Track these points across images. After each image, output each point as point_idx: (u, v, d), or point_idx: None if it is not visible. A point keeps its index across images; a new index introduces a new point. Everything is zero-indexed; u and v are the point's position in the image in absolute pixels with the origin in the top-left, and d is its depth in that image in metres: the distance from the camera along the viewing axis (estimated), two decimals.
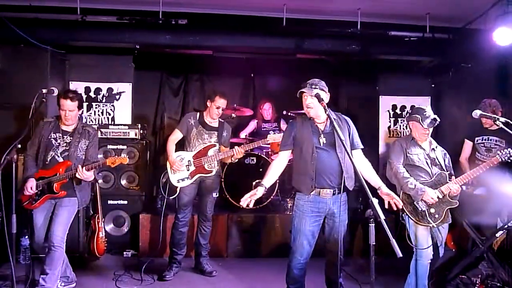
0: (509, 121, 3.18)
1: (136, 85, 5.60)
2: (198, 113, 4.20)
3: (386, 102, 5.98)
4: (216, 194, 4.24)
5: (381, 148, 5.93)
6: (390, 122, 5.99)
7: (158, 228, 4.31)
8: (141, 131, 5.06)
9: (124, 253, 4.74)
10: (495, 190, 3.55)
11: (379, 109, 5.97)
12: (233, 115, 5.24)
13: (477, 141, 4.26)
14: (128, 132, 4.98)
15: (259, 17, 4.87)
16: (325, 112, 2.98)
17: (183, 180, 4.03)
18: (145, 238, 4.68)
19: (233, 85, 6.56)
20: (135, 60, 5.50)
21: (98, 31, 4.79)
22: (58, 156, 3.45)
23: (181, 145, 4.18)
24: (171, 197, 4.04)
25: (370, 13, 4.68)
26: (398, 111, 5.95)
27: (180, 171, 4.02)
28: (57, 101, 3.44)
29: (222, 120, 4.25)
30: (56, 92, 3.37)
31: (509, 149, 3.36)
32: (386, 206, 2.50)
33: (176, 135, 4.12)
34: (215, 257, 4.60)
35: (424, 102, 5.62)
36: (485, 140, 4.21)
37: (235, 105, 5.47)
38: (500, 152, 3.38)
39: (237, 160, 4.19)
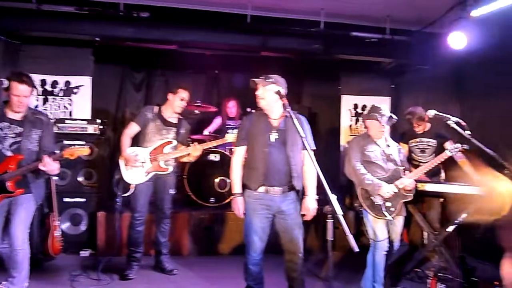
0: (459, 120, 3.34)
1: (96, 79, 5.40)
2: (157, 107, 4.05)
3: (348, 101, 6.11)
4: (174, 191, 4.10)
5: (343, 146, 6.05)
6: (351, 120, 6.12)
7: (116, 226, 4.19)
8: (101, 127, 4.89)
9: (81, 252, 4.58)
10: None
11: (341, 108, 6.09)
12: (196, 111, 5.18)
13: (411, 144, 4.53)
14: (87, 128, 4.81)
15: (224, 13, 4.83)
16: (285, 109, 2.95)
17: (138, 177, 3.88)
18: (103, 237, 4.54)
19: (198, 81, 6.49)
20: (95, 53, 5.30)
21: (55, 21, 4.59)
22: (7, 150, 3.10)
23: (136, 140, 3.99)
24: (124, 195, 3.89)
25: (333, 14, 4.76)
26: (359, 110, 6.10)
27: (135, 167, 3.87)
28: (8, 85, 3.06)
29: (182, 117, 4.12)
30: (6, 83, 3.07)
31: (458, 144, 3.56)
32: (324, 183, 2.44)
33: (132, 129, 3.94)
34: (177, 255, 4.54)
35: (384, 102, 5.78)
36: (418, 142, 4.49)
37: (198, 101, 5.42)
38: (450, 147, 3.57)
39: (192, 159, 4.04)
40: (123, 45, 5.25)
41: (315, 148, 3.12)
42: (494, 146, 3.41)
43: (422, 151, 4.44)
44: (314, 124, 6.40)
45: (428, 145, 4.41)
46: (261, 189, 3.04)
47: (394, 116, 3.63)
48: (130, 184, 3.87)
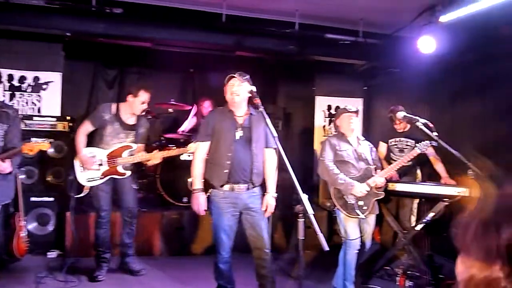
0: (427, 122, 3.44)
1: (66, 75, 5.26)
2: (114, 106, 3.80)
3: (321, 102, 6.18)
4: (136, 186, 3.94)
5: (316, 146, 6.12)
6: (325, 121, 6.20)
7: (86, 226, 4.09)
8: (71, 124, 4.76)
9: (48, 253, 4.44)
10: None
11: (315, 109, 6.15)
12: (170, 110, 5.12)
13: (390, 143, 4.61)
14: (56, 125, 4.67)
15: (199, 12, 4.79)
16: (258, 109, 2.94)
17: (93, 180, 3.71)
18: (71, 237, 4.41)
19: (173, 79, 6.46)
20: (65, 49, 5.16)
21: (24, 15, 4.41)
22: None
23: (92, 138, 3.83)
24: (78, 196, 3.73)
25: (307, 15, 4.79)
26: (332, 111, 6.18)
27: (90, 169, 3.71)
28: None
29: (141, 115, 3.94)
30: None
31: (426, 141, 3.64)
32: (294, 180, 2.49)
33: (87, 127, 3.75)
34: (148, 255, 4.47)
35: (356, 103, 5.88)
36: (397, 141, 4.56)
37: (173, 100, 5.36)
38: (419, 145, 3.65)
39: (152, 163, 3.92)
40: (95, 41, 5.13)
41: (276, 146, 3.07)
42: (461, 147, 3.53)
43: (401, 150, 4.50)
44: (289, 124, 6.46)
45: (407, 145, 4.46)
46: (226, 187, 3.08)
47: (357, 108, 3.79)
48: (84, 186, 3.70)
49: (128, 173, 3.76)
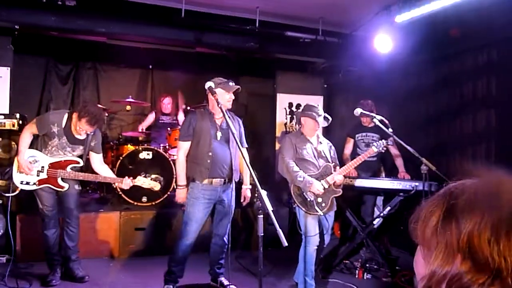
0: (383, 119, 3.56)
1: (16, 70, 5.01)
2: (65, 118, 3.54)
3: (283, 100, 6.24)
4: (79, 186, 3.74)
5: (278, 145, 6.18)
6: (286, 118, 6.27)
7: (38, 229, 3.90)
8: (21, 122, 4.53)
9: None
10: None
11: (276, 106, 6.21)
12: (128, 107, 5.00)
13: (357, 137, 4.73)
14: (4, 123, 4.41)
15: (157, 6, 4.69)
16: (218, 106, 3.10)
17: (27, 184, 3.52)
18: (23, 241, 4.21)
19: (130, 75, 6.36)
20: (15, 42, 4.90)
21: None
22: None
23: (37, 139, 3.63)
24: (8, 195, 3.54)
25: (268, 13, 4.82)
26: (294, 108, 6.26)
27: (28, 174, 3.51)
28: None
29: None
30: None
31: (383, 140, 3.76)
32: (255, 178, 2.59)
33: (32, 130, 3.54)
34: (106, 257, 4.35)
35: (317, 101, 5.99)
36: (364, 136, 4.70)
37: (130, 96, 5.24)
38: (376, 143, 3.77)
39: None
40: (47, 34, 4.92)
41: (247, 146, 3.55)
42: (416, 143, 3.69)
43: (367, 145, 4.60)
44: (250, 122, 6.48)
45: (373, 139, 4.58)
46: (206, 181, 3.37)
47: (329, 117, 3.75)
48: (17, 187, 3.52)
49: (67, 186, 3.56)
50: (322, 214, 3.58)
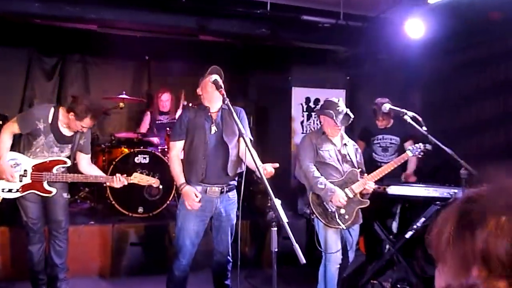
0: (416, 115, 3.51)
1: None
2: (52, 112, 3.54)
3: (299, 95, 6.20)
4: (67, 194, 3.75)
5: (294, 146, 6.14)
6: (303, 116, 6.23)
7: (21, 244, 3.93)
8: (0, 122, 4.60)
9: None
10: None
11: (291, 102, 6.18)
12: (121, 104, 5.03)
13: (372, 141, 4.71)
14: None
15: None
16: (224, 102, 3.13)
17: (10, 191, 3.50)
18: (4, 257, 4.25)
19: (124, 68, 6.42)
20: None
21: None
22: None
23: (17, 140, 3.60)
24: None
25: None
26: (311, 104, 6.22)
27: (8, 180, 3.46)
28: None
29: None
30: None
31: (420, 144, 3.71)
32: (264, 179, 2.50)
33: (13, 129, 3.51)
34: (97, 276, 4.38)
35: (338, 95, 5.93)
36: (380, 139, 4.66)
37: (124, 92, 5.27)
38: (412, 147, 3.71)
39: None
40: (30, 22, 4.98)
41: (252, 138, 3.46)
42: (452, 143, 3.63)
43: (385, 149, 4.60)
44: (261, 120, 6.48)
45: (391, 143, 4.58)
46: (199, 189, 3.31)
47: (351, 114, 3.69)
48: None
49: (54, 191, 3.56)
50: (344, 228, 3.55)
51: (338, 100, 3.76)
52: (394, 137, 4.57)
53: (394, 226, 4.75)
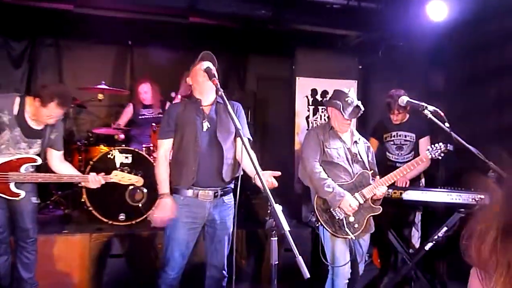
0: (437, 110, 3.52)
1: None
2: (17, 102, 3.51)
3: (304, 85, 6.20)
4: (37, 199, 3.75)
5: (298, 144, 6.16)
6: (309, 110, 6.24)
7: None
8: None
9: None
10: None
11: (295, 94, 6.18)
12: (100, 96, 5.04)
13: (385, 139, 4.72)
14: None
15: None
16: (218, 94, 3.08)
17: None
18: None
19: (103, 54, 6.45)
20: None
21: None
22: None
23: None
24: None
25: None
26: (318, 97, 6.23)
27: None
28: None
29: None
30: None
31: (440, 143, 3.72)
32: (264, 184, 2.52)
33: None
34: None
35: (350, 87, 5.89)
36: (394, 136, 4.68)
37: (103, 82, 5.28)
38: (431, 148, 3.73)
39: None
40: None
41: (251, 138, 3.44)
42: (478, 141, 3.64)
43: (399, 147, 4.64)
44: (261, 114, 6.49)
45: (406, 140, 4.61)
46: (190, 192, 3.30)
47: (361, 106, 3.70)
48: None
49: (22, 194, 3.55)
50: (354, 238, 3.56)
51: (349, 90, 3.76)
52: (410, 133, 4.61)
53: (416, 236, 4.78)
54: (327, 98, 3.99)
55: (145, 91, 5.70)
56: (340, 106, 3.61)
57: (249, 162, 3.14)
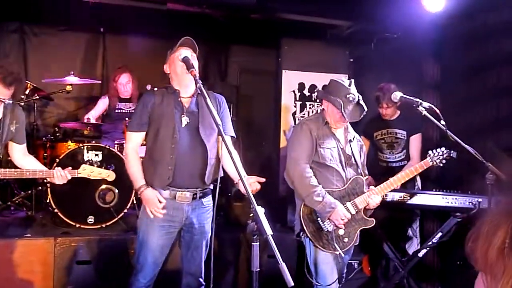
0: (433, 106, 3.50)
1: None
2: None
3: (291, 79, 6.19)
4: None
5: (283, 142, 6.14)
6: (296, 106, 6.23)
7: None
8: None
9: None
10: None
11: (281, 88, 6.17)
12: (68, 87, 4.98)
13: (376, 137, 4.75)
14: None
15: None
16: (196, 86, 2.96)
17: None
18: None
19: (73, 42, 6.41)
20: None
21: None
22: None
23: None
24: None
25: None
26: (306, 92, 6.22)
27: None
28: None
29: (9, 101, 3.52)
30: None
31: (443, 148, 3.69)
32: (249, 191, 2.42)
33: None
34: None
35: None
36: (385, 134, 4.71)
37: (72, 72, 5.22)
38: (432, 153, 3.68)
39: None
40: None
41: (233, 135, 3.44)
42: (474, 134, 3.66)
43: (390, 146, 4.67)
44: (244, 110, 6.47)
45: (397, 138, 4.65)
46: (166, 193, 3.26)
47: (364, 105, 3.52)
48: None
49: None
50: (342, 254, 3.47)
51: (350, 84, 3.53)
52: (401, 131, 4.64)
53: (415, 243, 4.80)
54: (323, 90, 3.74)
55: (127, 81, 5.66)
56: (342, 105, 3.37)
57: (231, 164, 3.13)
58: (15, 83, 3.39)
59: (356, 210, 3.47)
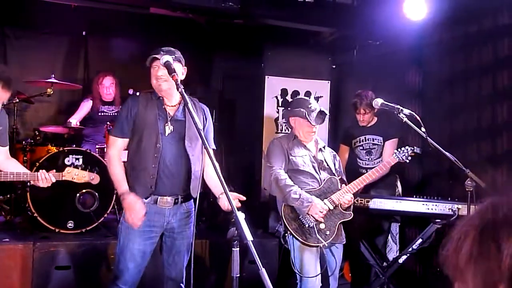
0: (413, 113, 3.56)
1: None
2: None
3: (274, 85, 6.20)
4: None
5: (266, 148, 6.16)
6: (278, 112, 6.24)
7: None
8: None
9: None
10: None
11: (264, 94, 6.18)
12: (49, 90, 4.94)
13: (354, 144, 4.82)
14: None
15: None
16: (178, 90, 2.92)
17: None
18: None
19: (54, 45, 6.36)
20: None
21: None
22: None
23: None
24: None
25: None
26: (288, 98, 6.23)
27: None
28: None
29: None
30: None
31: (407, 147, 3.84)
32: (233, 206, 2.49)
33: None
34: None
35: (322, 87, 5.99)
36: (362, 141, 4.79)
37: (53, 76, 5.18)
38: (398, 151, 3.84)
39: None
40: None
41: (214, 147, 3.46)
42: (457, 142, 3.70)
43: (368, 152, 4.72)
44: (226, 116, 6.46)
45: (374, 144, 4.71)
46: (149, 200, 3.25)
47: (326, 110, 3.84)
48: None
49: None
50: (326, 245, 3.61)
51: (309, 97, 3.96)
52: (377, 137, 4.71)
53: (394, 249, 4.84)
54: (287, 108, 4.12)
55: (110, 83, 5.63)
56: (304, 113, 3.71)
57: (214, 177, 3.26)
58: (12, 87, 3.40)
59: (334, 205, 3.68)
